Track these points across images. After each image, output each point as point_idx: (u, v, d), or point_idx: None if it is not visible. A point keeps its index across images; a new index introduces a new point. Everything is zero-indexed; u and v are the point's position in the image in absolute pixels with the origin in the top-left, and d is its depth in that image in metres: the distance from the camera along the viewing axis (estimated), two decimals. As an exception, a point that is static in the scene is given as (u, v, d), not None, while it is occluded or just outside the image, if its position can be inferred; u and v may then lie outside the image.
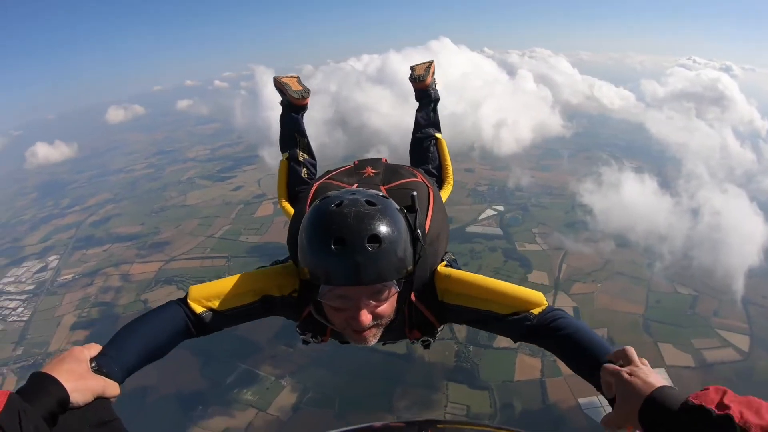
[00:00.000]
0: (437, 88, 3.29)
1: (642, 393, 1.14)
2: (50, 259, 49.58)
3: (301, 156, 2.93)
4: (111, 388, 1.23)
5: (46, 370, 1.14)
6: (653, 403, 1.11)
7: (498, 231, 44.81)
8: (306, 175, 2.88)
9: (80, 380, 1.15)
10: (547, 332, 1.53)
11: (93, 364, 1.26)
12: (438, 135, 3.08)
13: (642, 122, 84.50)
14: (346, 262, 1.33)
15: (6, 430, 0.91)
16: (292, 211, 2.63)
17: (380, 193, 1.55)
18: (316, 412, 27.62)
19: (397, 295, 1.52)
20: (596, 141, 75.79)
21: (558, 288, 36.63)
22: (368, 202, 1.42)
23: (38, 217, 64.43)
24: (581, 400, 26.04)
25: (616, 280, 37.68)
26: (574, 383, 26.34)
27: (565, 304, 34.50)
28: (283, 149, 2.99)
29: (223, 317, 1.63)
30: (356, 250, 1.33)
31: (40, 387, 1.08)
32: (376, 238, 1.35)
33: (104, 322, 35.91)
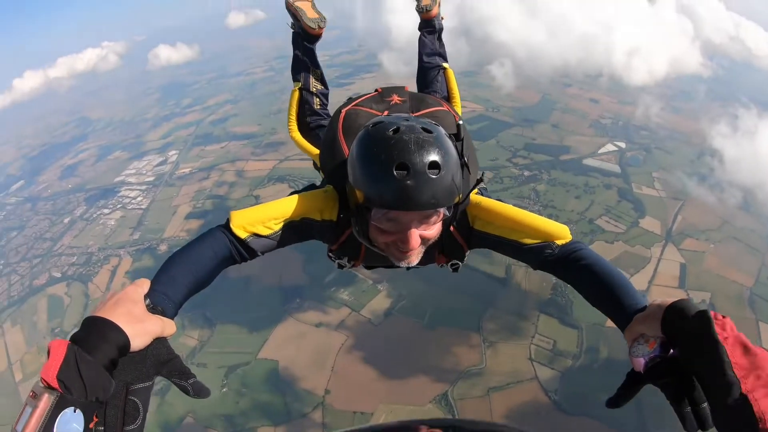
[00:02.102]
0: (442, 18, 3.23)
1: (668, 302, 1.12)
2: (170, 153, 52.65)
3: (314, 86, 2.89)
4: (169, 327, 1.19)
5: (101, 313, 1.07)
6: (679, 305, 1.08)
7: (616, 168, 42.08)
8: (318, 106, 2.86)
9: (139, 323, 1.10)
10: (568, 263, 1.56)
11: (147, 302, 1.21)
12: (445, 65, 3.07)
13: (790, 76, 70.98)
14: (408, 188, 1.33)
15: (67, 385, 0.86)
16: (302, 140, 2.70)
17: (431, 121, 1.52)
18: (406, 321, 28.52)
19: (442, 220, 1.54)
20: (736, 89, 65.83)
21: (669, 239, 34.06)
22: (424, 129, 1.40)
23: (160, 115, 67.61)
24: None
25: (730, 244, 34.29)
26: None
27: (673, 257, 32.47)
28: (295, 78, 2.95)
29: (267, 241, 1.63)
30: (418, 176, 1.33)
31: (99, 333, 1.01)
32: (436, 164, 1.35)
33: (217, 213, 38.25)
